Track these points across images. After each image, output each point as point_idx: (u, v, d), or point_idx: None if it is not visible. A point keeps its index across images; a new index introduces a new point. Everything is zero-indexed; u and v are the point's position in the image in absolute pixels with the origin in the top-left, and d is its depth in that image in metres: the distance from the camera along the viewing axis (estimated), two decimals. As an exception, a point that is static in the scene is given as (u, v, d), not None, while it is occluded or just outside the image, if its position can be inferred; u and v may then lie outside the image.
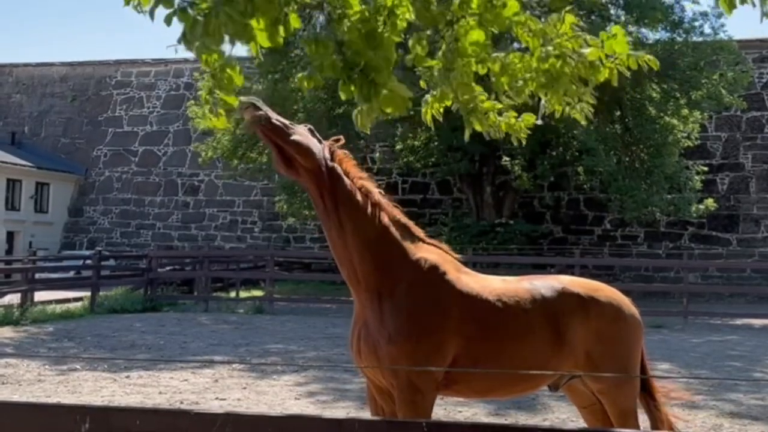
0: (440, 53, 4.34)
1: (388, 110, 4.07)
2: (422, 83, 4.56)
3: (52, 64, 45.06)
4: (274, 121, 4.49)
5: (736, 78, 27.65)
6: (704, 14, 27.77)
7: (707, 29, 27.94)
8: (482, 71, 4.33)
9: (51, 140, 43.72)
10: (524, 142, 4.74)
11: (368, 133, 4.34)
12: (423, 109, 4.51)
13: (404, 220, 4.90)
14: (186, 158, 40.73)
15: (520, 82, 4.32)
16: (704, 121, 30.23)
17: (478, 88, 4.45)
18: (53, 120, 44.04)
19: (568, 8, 4.31)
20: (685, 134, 28.09)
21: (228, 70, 4.03)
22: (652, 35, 28.43)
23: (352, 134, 28.88)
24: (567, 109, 4.41)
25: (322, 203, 4.71)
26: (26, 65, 45.49)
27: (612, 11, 27.76)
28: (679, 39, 27.40)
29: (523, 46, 4.33)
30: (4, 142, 42.15)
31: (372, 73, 3.96)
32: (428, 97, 4.52)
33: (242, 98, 4.32)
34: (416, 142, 31.83)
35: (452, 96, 4.40)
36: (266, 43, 3.79)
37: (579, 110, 4.42)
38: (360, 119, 4.22)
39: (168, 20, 3.65)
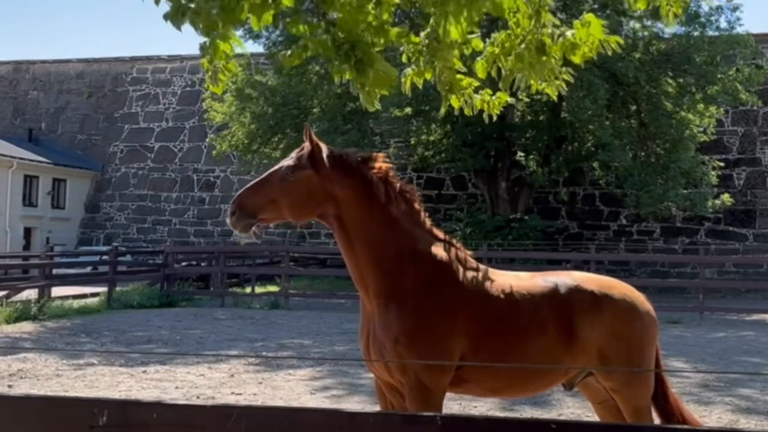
0: (423, 34, 4.47)
1: (377, 89, 4.16)
2: (404, 57, 4.63)
3: (68, 61, 45.22)
4: (258, 221, 5.09)
5: (752, 73, 27.47)
6: (720, 8, 27.61)
7: (723, 23, 27.81)
8: (467, 51, 4.53)
9: (67, 137, 43.93)
10: (495, 118, 4.95)
11: (379, 108, 4.46)
12: (402, 80, 4.63)
13: (420, 217, 4.88)
14: (202, 154, 40.85)
15: (509, 61, 4.50)
16: (720, 115, 30.02)
17: (458, 63, 4.59)
18: (70, 116, 44.24)
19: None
20: (701, 129, 27.92)
21: (221, 48, 4.11)
22: (668, 29, 28.28)
23: (367, 130, 28.90)
24: (543, 85, 4.64)
25: (330, 224, 4.87)
26: (43, 62, 45.64)
27: (626, 5, 27.56)
28: (695, 33, 27.25)
29: (512, 25, 4.54)
30: (21, 138, 42.39)
31: (360, 52, 4.01)
32: (408, 70, 4.65)
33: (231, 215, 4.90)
34: (431, 138, 31.77)
35: (431, 72, 4.56)
36: (256, 24, 3.86)
37: (554, 87, 4.64)
38: (365, 100, 4.33)
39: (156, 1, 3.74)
